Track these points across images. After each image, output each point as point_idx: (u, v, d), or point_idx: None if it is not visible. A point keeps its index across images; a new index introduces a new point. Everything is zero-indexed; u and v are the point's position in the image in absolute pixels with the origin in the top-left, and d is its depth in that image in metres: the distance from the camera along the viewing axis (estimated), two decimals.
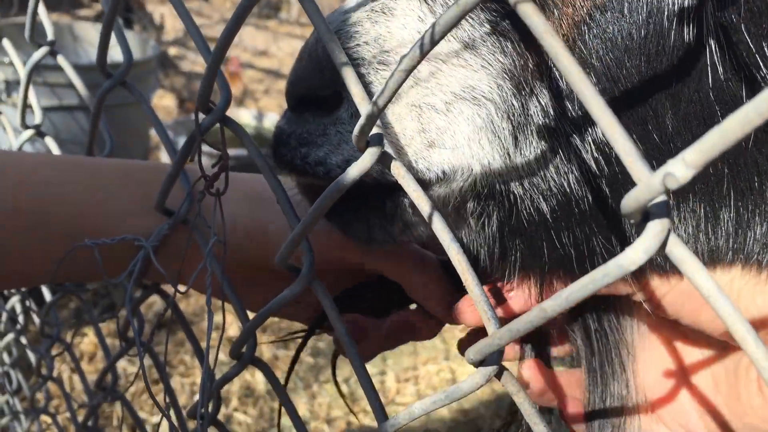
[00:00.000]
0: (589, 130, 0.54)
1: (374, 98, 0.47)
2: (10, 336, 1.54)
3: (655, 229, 0.32)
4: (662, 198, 0.31)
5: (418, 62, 0.44)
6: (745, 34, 0.49)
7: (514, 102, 0.56)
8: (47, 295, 1.41)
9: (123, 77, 0.86)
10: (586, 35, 0.53)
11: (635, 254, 0.32)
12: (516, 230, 0.60)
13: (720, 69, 0.50)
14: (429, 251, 0.79)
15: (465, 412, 2.78)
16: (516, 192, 0.58)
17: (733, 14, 0.49)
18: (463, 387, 0.45)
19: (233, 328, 2.88)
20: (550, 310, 0.38)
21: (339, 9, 0.63)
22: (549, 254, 0.60)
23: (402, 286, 0.78)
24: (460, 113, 0.57)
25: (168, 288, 0.82)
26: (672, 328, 0.64)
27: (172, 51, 6.45)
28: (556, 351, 0.75)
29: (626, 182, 0.53)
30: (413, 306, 0.83)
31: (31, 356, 1.50)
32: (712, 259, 0.56)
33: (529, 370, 0.69)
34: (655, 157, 0.53)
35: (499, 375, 0.46)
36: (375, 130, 0.49)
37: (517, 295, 0.65)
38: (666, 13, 0.50)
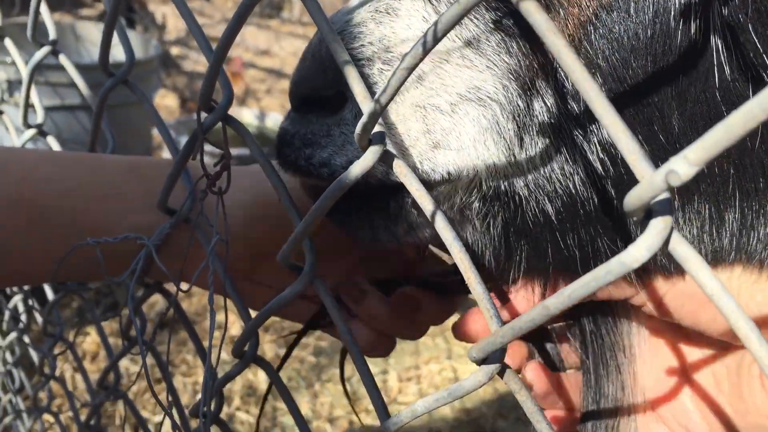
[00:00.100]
0: (595, 131, 0.53)
1: (376, 96, 0.47)
2: (13, 335, 1.55)
3: (658, 226, 0.32)
4: (665, 195, 0.31)
5: (421, 59, 0.43)
6: (752, 33, 0.48)
7: (520, 103, 0.55)
8: (50, 294, 1.41)
9: (125, 76, 0.86)
10: (592, 35, 0.52)
11: (638, 252, 0.32)
12: (521, 231, 0.60)
13: (727, 69, 0.49)
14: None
15: (467, 411, 2.78)
16: (521, 193, 0.58)
17: (740, 14, 0.49)
18: (465, 385, 0.45)
19: (235, 327, 2.89)
20: (553, 308, 0.38)
21: (342, 9, 0.63)
22: (554, 255, 0.60)
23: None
24: (465, 114, 0.57)
25: (170, 287, 0.82)
26: (672, 330, 0.64)
27: (174, 51, 6.45)
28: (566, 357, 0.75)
29: (631, 183, 0.53)
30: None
31: (34, 355, 1.51)
32: (714, 259, 0.56)
33: (533, 371, 0.69)
34: (661, 158, 0.52)
35: (501, 373, 0.46)
36: (377, 128, 0.49)
37: (522, 296, 0.65)
38: (672, 12, 0.50)
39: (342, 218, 0.67)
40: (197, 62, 6.25)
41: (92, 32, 3.64)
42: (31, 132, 1.16)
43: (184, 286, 0.76)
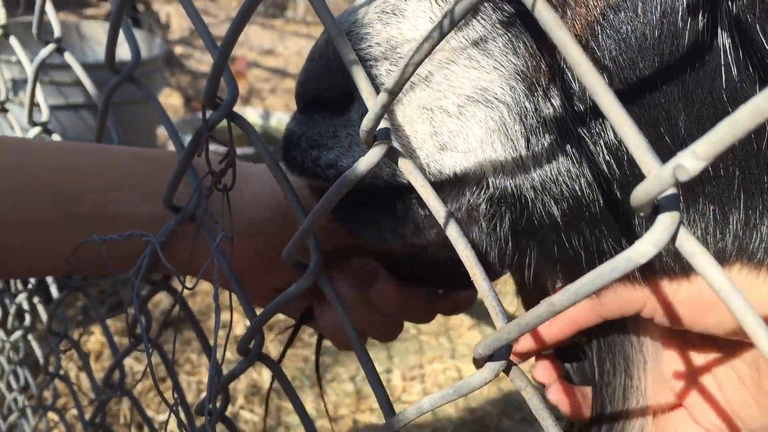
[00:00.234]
0: (601, 132, 0.53)
1: (381, 90, 0.46)
2: (18, 333, 1.55)
3: (665, 221, 0.31)
4: (672, 191, 0.31)
5: (426, 56, 0.43)
6: (759, 34, 0.48)
7: (527, 104, 0.55)
8: (54, 292, 1.41)
9: (131, 72, 0.86)
10: (600, 36, 0.52)
11: (644, 247, 0.32)
12: (527, 233, 0.60)
13: (734, 70, 0.49)
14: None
15: (472, 410, 2.78)
16: (527, 195, 0.58)
17: (748, 14, 0.48)
18: (471, 382, 0.45)
19: (239, 327, 2.89)
20: (559, 305, 0.37)
21: (348, 9, 0.63)
22: (560, 256, 0.60)
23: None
24: (472, 116, 0.57)
25: (176, 284, 0.82)
26: (685, 336, 0.64)
27: (178, 50, 6.46)
28: None
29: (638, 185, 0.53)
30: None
31: (39, 354, 1.51)
32: (717, 259, 0.56)
33: (555, 393, 0.70)
34: (667, 160, 0.52)
35: (507, 370, 0.46)
36: (383, 124, 0.49)
37: None
38: (680, 12, 0.50)
39: (347, 217, 0.67)
40: (201, 61, 6.25)
41: (97, 31, 3.65)
42: (36, 130, 1.16)
43: (189, 282, 0.76)
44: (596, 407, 0.69)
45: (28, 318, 1.53)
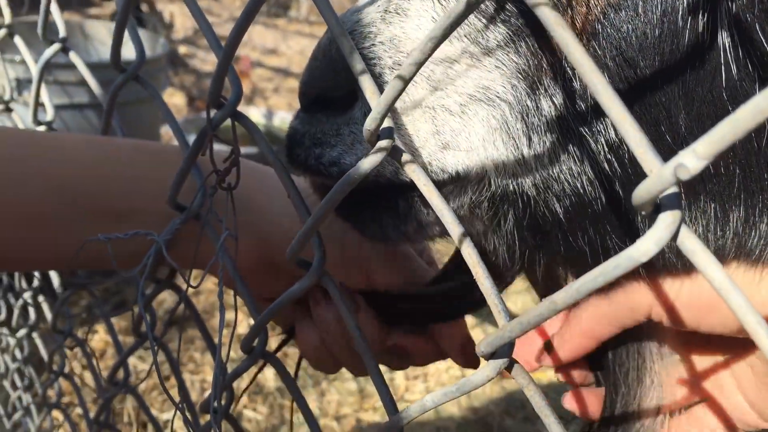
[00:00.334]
0: (602, 130, 0.53)
1: (385, 89, 0.47)
2: (23, 331, 1.56)
3: (667, 220, 0.32)
4: (674, 189, 0.31)
5: (429, 55, 0.44)
6: (759, 33, 0.48)
7: (528, 102, 0.55)
8: (59, 291, 1.42)
9: (136, 71, 0.86)
10: (601, 34, 0.52)
11: (646, 245, 0.32)
12: (529, 231, 0.60)
13: (734, 68, 0.50)
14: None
15: (475, 409, 2.78)
16: (529, 193, 0.58)
17: (748, 13, 0.49)
18: (474, 379, 0.45)
19: (243, 326, 2.89)
20: (561, 303, 0.38)
21: (351, 8, 0.63)
22: (565, 253, 0.60)
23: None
24: (474, 114, 0.57)
25: (181, 282, 0.82)
26: (698, 336, 0.64)
27: (182, 49, 6.46)
28: None
29: (639, 183, 0.54)
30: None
31: (43, 352, 1.51)
32: (716, 256, 0.56)
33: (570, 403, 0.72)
34: (668, 159, 0.53)
35: (509, 368, 0.46)
36: (386, 123, 0.49)
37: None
38: (680, 11, 0.50)
39: (351, 215, 0.67)
40: (205, 61, 6.26)
41: (100, 31, 3.65)
42: (41, 129, 1.16)
43: (194, 280, 0.76)
44: (608, 398, 0.70)
45: (32, 316, 1.54)
